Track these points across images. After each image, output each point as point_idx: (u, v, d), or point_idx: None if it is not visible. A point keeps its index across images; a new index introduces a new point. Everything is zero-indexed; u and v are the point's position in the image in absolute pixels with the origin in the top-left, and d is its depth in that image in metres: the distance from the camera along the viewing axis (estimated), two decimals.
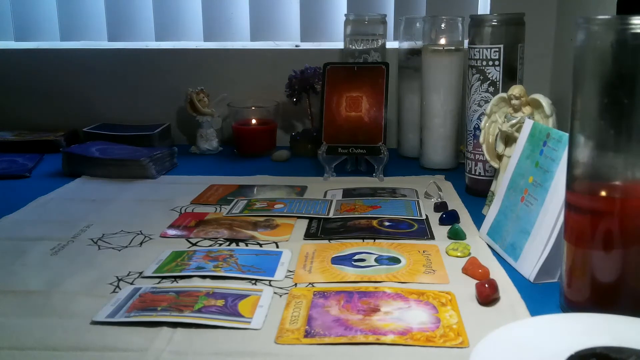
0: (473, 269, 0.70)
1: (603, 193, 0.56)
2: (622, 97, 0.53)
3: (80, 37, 1.47)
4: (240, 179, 1.12)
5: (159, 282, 0.69)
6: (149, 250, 0.78)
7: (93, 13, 1.45)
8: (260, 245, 0.80)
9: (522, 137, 0.78)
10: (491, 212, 0.81)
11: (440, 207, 0.92)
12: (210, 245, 0.80)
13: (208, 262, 0.73)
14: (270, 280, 0.69)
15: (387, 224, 0.86)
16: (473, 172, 1.02)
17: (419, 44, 1.22)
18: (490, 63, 0.97)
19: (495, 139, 0.89)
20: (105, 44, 1.46)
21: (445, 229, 0.84)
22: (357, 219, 0.89)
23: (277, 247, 0.80)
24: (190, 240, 0.82)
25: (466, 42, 1.03)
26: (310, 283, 0.68)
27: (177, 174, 1.18)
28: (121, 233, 0.85)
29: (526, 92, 0.85)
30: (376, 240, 0.81)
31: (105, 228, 0.86)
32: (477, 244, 0.80)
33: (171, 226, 0.87)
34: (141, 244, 0.81)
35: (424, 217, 0.89)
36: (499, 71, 0.97)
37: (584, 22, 0.54)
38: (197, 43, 1.45)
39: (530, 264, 0.70)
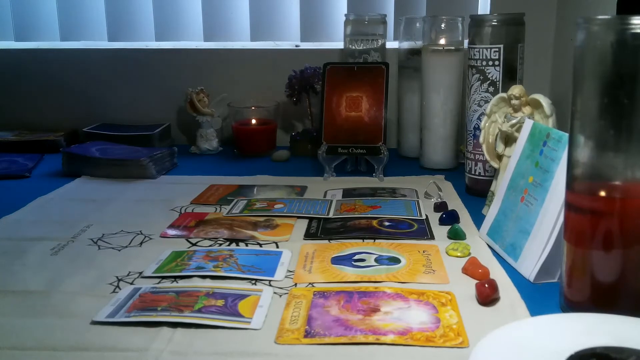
0: (473, 269, 0.70)
1: (603, 193, 0.56)
2: (622, 97, 0.53)
3: (80, 37, 1.47)
4: (240, 179, 1.12)
5: (159, 282, 0.69)
6: (149, 250, 0.78)
7: (93, 13, 1.45)
8: (260, 245, 0.80)
9: (522, 137, 0.78)
10: (491, 212, 0.81)
11: (440, 207, 0.92)
12: (210, 245, 0.80)
13: (208, 262, 0.73)
14: (270, 280, 0.69)
15: (387, 224, 0.86)
16: (473, 172, 1.02)
17: (419, 44, 1.22)
18: (490, 63, 0.97)
19: (495, 139, 0.89)
20: (105, 44, 1.46)
21: (445, 229, 0.84)
22: (357, 219, 0.89)
23: (277, 247, 0.80)
24: (190, 240, 0.82)
25: (466, 42, 1.03)
26: (310, 283, 0.68)
27: (177, 174, 1.18)
28: (121, 233, 0.85)
29: (526, 92, 0.85)
30: (376, 240, 0.81)
31: (105, 228, 0.86)
32: (477, 244, 0.80)
33: (171, 226, 0.87)
34: (141, 244, 0.81)
35: (424, 217, 0.89)
36: (499, 71, 0.97)
37: (584, 22, 0.54)
38: (197, 43, 1.45)
39: (530, 264, 0.70)
